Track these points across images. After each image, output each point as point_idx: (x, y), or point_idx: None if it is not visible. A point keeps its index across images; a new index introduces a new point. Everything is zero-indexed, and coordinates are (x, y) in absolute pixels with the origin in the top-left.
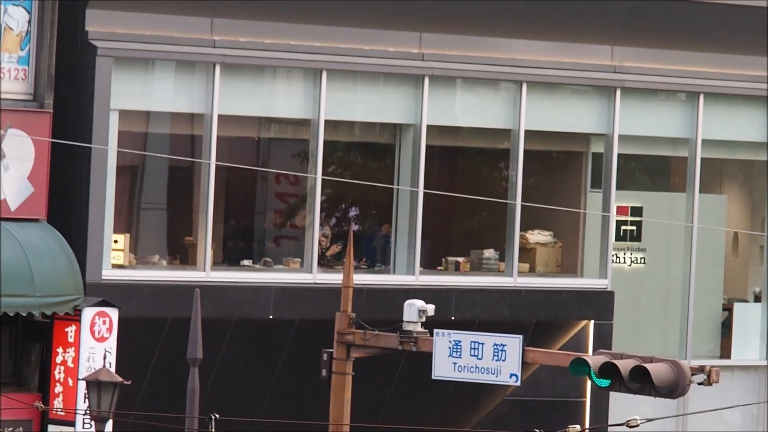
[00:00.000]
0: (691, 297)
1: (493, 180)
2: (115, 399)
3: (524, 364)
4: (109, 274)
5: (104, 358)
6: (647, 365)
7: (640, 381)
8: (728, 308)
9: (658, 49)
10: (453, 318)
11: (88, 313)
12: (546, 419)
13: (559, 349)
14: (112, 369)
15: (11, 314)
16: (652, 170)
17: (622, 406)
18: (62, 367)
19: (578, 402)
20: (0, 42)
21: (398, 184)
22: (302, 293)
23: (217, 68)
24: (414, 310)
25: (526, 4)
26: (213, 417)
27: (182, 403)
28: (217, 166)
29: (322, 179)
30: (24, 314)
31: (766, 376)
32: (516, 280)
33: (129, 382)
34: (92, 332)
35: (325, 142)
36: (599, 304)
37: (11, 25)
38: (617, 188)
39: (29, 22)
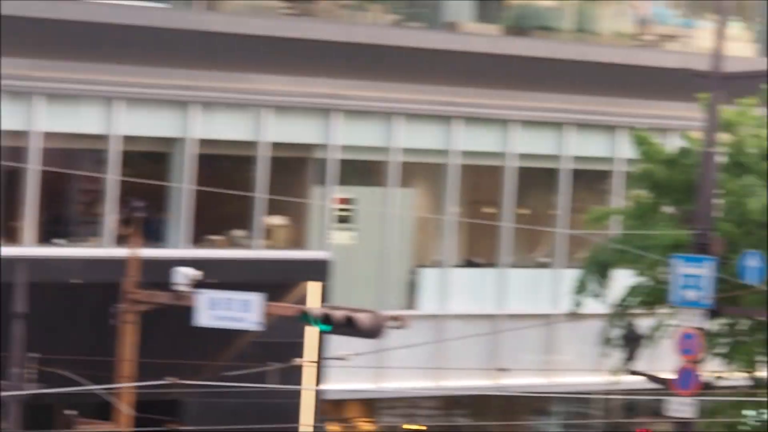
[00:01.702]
0: (388, 264)
1: (243, 178)
2: None
3: (265, 315)
4: None
5: None
6: (355, 314)
7: (349, 326)
8: (415, 272)
9: (367, 81)
10: (213, 281)
11: None
12: (281, 355)
13: (290, 303)
14: None
15: None
16: (362, 171)
17: (338, 345)
18: None
19: (299, 342)
20: None
21: (173, 182)
22: (102, 263)
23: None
24: (184, 275)
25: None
26: (34, 357)
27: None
28: (39, 170)
29: (117, 178)
30: None
31: (442, 323)
32: (260, 252)
33: None
34: None
35: (121, 151)
36: (321, 270)
37: None
38: (336, 184)
39: None
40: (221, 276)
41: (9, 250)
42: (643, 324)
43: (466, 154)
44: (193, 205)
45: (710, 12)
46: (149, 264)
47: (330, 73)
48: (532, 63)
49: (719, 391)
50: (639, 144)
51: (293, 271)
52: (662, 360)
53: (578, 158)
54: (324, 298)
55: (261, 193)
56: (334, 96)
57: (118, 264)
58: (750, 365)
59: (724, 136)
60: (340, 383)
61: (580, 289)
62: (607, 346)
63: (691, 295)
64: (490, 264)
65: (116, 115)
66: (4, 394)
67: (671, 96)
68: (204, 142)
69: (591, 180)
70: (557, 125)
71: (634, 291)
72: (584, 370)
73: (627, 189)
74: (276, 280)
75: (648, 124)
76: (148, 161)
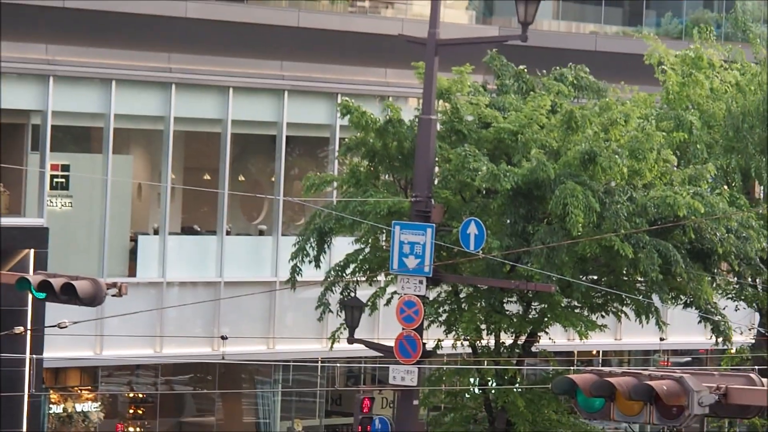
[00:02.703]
0: (106, 231)
1: None
2: None
3: None
4: None
5: None
6: (74, 282)
7: (68, 293)
8: (134, 239)
9: (84, 47)
10: None
11: None
12: (6, 323)
13: (8, 271)
14: None
15: None
16: (78, 137)
17: (56, 312)
18: None
19: (23, 309)
20: None
21: None
22: None
23: None
24: None
25: None
26: None
27: None
28: None
29: None
30: None
31: (162, 290)
32: None
33: None
34: None
35: None
36: (38, 237)
37: None
38: (51, 150)
39: None
40: None
41: None
42: (366, 292)
43: (184, 120)
44: None
45: None
46: None
47: (46, 38)
48: (249, 29)
49: (442, 358)
50: (345, 113)
51: (10, 239)
52: (385, 328)
53: (297, 125)
54: (42, 265)
55: None
56: (50, 62)
57: None
58: (475, 333)
59: (440, 104)
60: (60, 351)
61: (297, 255)
62: (324, 313)
63: (411, 262)
64: (210, 231)
65: None
66: None
67: (390, 63)
68: None
69: (311, 147)
70: (276, 92)
71: (352, 258)
72: (306, 338)
73: (340, 156)
74: None
75: (367, 91)
76: None
